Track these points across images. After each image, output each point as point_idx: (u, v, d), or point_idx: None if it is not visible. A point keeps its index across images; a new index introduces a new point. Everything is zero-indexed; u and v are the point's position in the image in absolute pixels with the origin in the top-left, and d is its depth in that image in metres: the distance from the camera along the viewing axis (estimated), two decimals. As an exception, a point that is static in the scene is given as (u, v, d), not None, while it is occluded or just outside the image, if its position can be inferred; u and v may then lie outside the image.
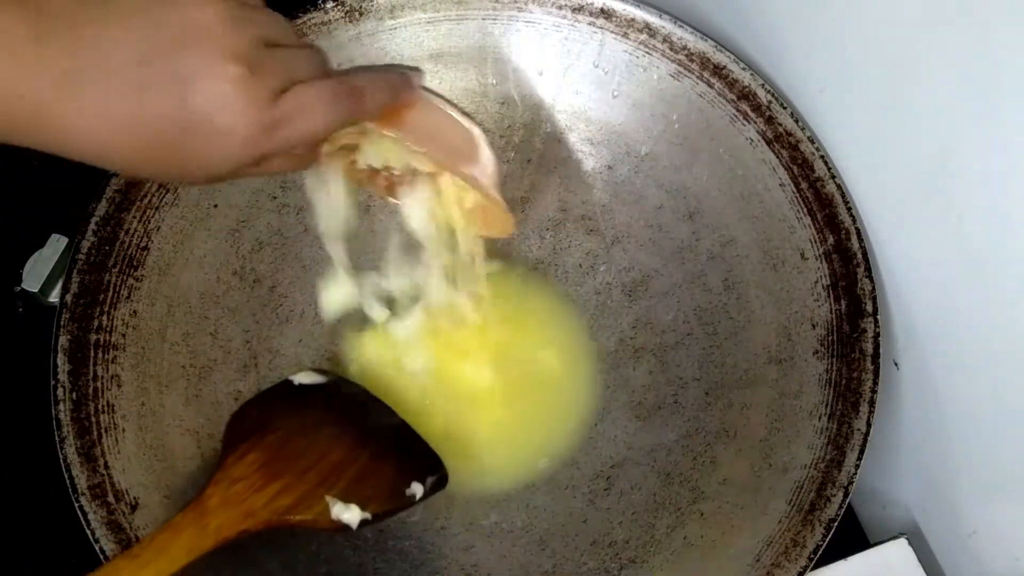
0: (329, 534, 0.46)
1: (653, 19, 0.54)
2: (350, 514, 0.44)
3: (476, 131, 0.45)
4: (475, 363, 0.55)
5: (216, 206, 0.53)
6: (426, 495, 0.47)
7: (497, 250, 0.59)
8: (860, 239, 0.48)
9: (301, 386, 0.50)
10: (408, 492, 0.46)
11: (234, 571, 0.45)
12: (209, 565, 0.44)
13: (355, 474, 0.46)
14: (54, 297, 0.58)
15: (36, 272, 0.57)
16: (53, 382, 0.45)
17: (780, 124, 0.52)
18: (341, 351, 0.55)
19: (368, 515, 0.44)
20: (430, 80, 0.57)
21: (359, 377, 0.55)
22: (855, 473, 0.44)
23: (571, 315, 0.57)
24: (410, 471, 0.47)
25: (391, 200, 0.48)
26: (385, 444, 0.48)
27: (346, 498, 0.44)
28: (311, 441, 0.46)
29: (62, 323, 0.46)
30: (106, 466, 0.44)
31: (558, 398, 0.55)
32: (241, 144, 0.33)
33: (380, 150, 0.45)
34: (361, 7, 0.55)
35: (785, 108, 0.52)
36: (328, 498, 0.44)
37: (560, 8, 0.55)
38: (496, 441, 0.53)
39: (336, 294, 0.55)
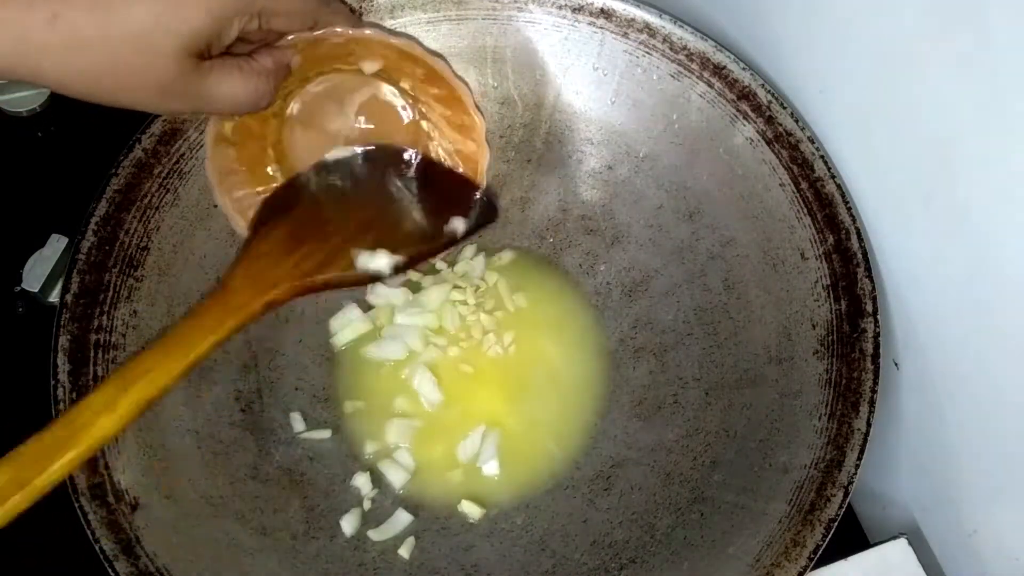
0: (363, 284, 0.44)
1: (653, 19, 0.54)
2: (378, 261, 0.42)
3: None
4: (481, 365, 0.55)
5: (216, 206, 0.53)
6: (472, 229, 0.45)
7: (497, 250, 0.59)
8: (860, 239, 0.48)
9: (335, 161, 0.48)
10: (448, 228, 0.44)
11: (234, 571, 0.46)
12: (208, 565, 0.45)
13: (383, 225, 0.44)
14: (54, 297, 0.58)
15: (36, 272, 0.57)
16: (53, 382, 0.45)
17: (780, 124, 0.52)
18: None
19: (400, 258, 0.42)
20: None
21: (360, 369, 0.55)
22: (855, 473, 0.44)
23: (575, 315, 0.57)
24: (447, 207, 0.45)
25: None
26: (418, 187, 0.46)
27: (374, 247, 0.42)
28: (337, 207, 0.45)
29: (62, 323, 0.46)
30: (106, 466, 0.44)
31: (564, 398, 0.55)
32: (156, 93, 0.36)
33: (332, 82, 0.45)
34: (361, 7, 0.55)
35: (785, 108, 0.52)
36: (353, 251, 0.42)
37: (560, 8, 0.55)
38: (504, 442, 0.53)
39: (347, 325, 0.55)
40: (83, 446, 0.35)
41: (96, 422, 0.36)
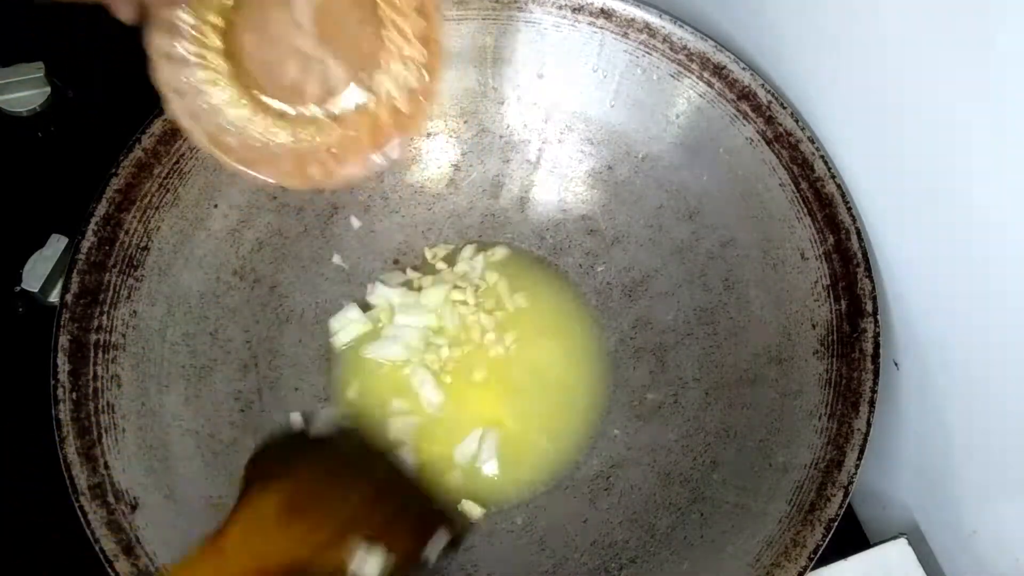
0: None
1: (653, 19, 0.54)
2: (371, 566, 0.41)
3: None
4: (482, 365, 0.55)
5: (216, 206, 0.53)
6: (439, 556, 0.45)
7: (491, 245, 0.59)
8: (860, 239, 0.48)
9: (316, 438, 0.48)
10: (423, 554, 0.44)
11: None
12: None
13: (378, 512, 0.44)
14: (54, 297, 0.58)
15: (36, 272, 0.57)
16: (53, 382, 0.45)
17: (780, 124, 0.52)
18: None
19: (390, 562, 0.42)
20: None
21: (361, 369, 0.55)
22: (855, 473, 0.44)
23: (575, 315, 0.57)
24: (427, 528, 0.45)
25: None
26: (399, 499, 0.46)
27: (371, 538, 0.42)
28: (330, 489, 0.44)
29: (62, 323, 0.46)
30: (106, 466, 0.44)
31: (564, 398, 0.55)
32: None
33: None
34: (361, 7, 0.55)
35: (785, 108, 0.52)
36: (351, 542, 0.41)
37: (560, 8, 0.55)
38: (504, 442, 0.53)
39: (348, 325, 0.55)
40: None
41: None
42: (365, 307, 0.56)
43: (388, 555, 0.41)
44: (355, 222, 0.58)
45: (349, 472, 0.45)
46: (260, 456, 0.45)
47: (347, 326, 0.55)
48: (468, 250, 0.58)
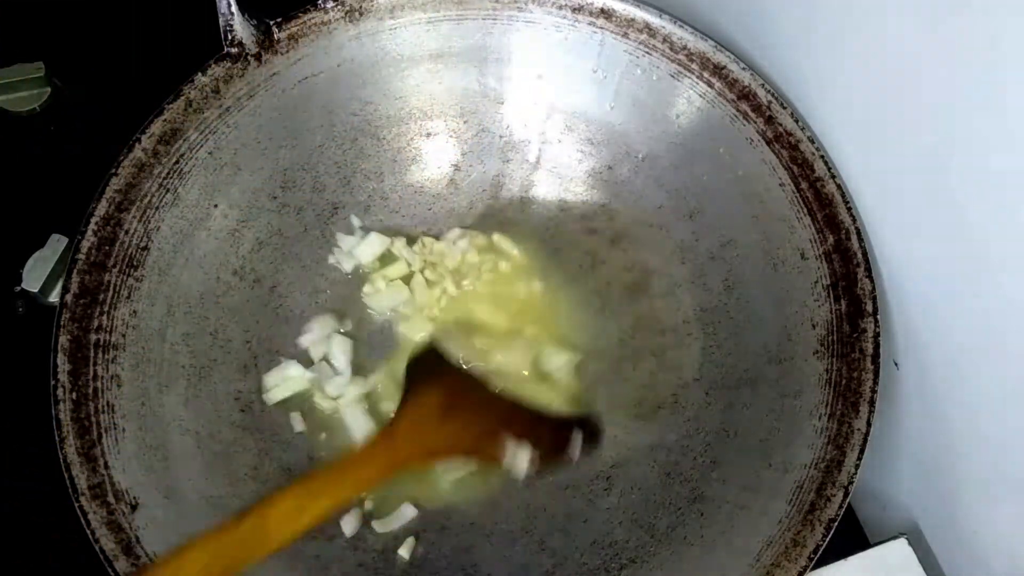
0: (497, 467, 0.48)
1: (653, 19, 0.54)
2: (522, 458, 0.47)
3: None
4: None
5: (216, 206, 0.53)
6: (580, 453, 0.49)
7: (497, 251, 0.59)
8: (860, 239, 0.48)
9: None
10: (566, 452, 0.49)
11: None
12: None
13: (525, 417, 0.49)
14: (54, 297, 0.58)
15: (36, 272, 0.57)
16: (53, 382, 0.45)
17: (780, 124, 0.52)
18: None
19: (536, 456, 0.47)
20: (430, 80, 0.58)
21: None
22: (855, 473, 0.44)
23: (573, 314, 0.57)
24: (563, 430, 0.50)
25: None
26: (535, 408, 0.51)
27: (519, 437, 0.47)
28: (478, 394, 0.50)
29: (62, 323, 0.46)
30: (106, 466, 0.44)
31: (564, 398, 0.55)
32: None
33: None
34: (361, 7, 0.55)
35: (785, 108, 0.52)
36: (505, 437, 0.47)
37: (560, 8, 0.55)
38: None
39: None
40: (270, 547, 0.40)
41: (284, 526, 0.40)
42: (307, 363, 0.54)
43: (534, 451, 0.47)
44: (355, 222, 0.58)
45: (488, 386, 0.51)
46: (417, 362, 0.50)
47: (283, 383, 0.53)
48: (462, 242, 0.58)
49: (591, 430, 0.51)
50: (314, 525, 0.41)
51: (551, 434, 0.49)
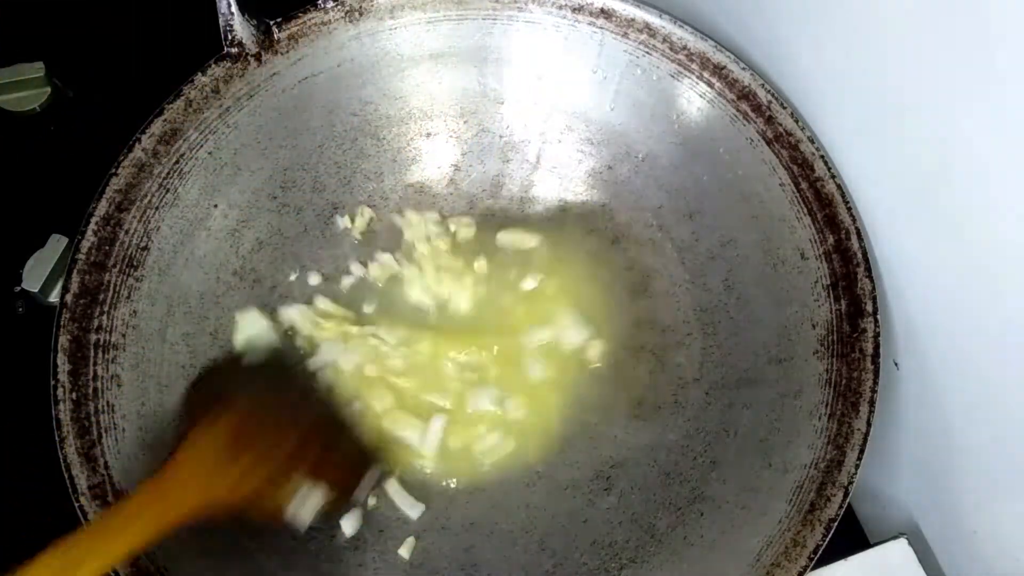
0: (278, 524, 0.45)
1: (653, 19, 0.54)
2: (309, 506, 0.43)
3: None
4: (484, 365, 0.55)
5: (216, 206, 0.53)
6: (369, 493, 0.47)
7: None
8: (860, 239, 0.48)
9: (249, 366, 0.50)
10: (356, 491, 0.47)
11: (234, 571, 0.45)
12: (209, 566, 0.44)
13: (315, 455, 0.45)
14: (54, 297, 0.58)
15: (36, 272, 0.57)
16: (53, 382, 0.45)
17: (780, 124, 0.52)
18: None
19: (328, 499, 0.44)
20: (430, 80, 0.58)
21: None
22: (855, 473, 0.44)
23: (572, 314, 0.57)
24: (360, 465, 0.47)
25: None
26: (333, 435, 0.48)
27: (312, 475, 0.44)
28: (269, 421, 0.45)
29: (62, 323, 0.46)
30: (106, 466, 0.44)
31: (563, 398, 0.55)
32: None
33: None
34: (361, 7, 0.55)
35: (785, 108, 0.52)
36: (293, 481, 0.43)
37: (560, 8, 0.55)
38: (498, 440, 0.53)
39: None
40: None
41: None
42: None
43: (327, 492, 0.44)
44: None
45: (285, 403, 0.47)
46: (200, 385, 0.47)
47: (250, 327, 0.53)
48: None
49: (386, 470, 0.49)
50: None
51: (347, 470, 0.46)
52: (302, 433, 0.46)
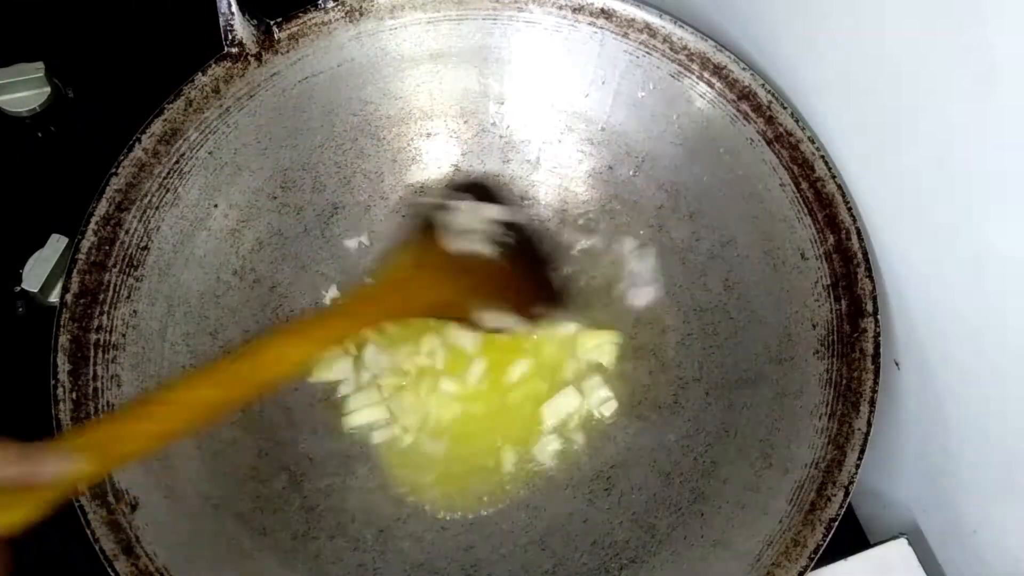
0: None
1: (653, 19, 0.54)
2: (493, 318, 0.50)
3: None
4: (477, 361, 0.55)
5: (216, 206, 0.53)
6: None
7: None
8: (860, 239, 0.48)
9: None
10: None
11: (234, 571, 0.45)
12: (208, 565, 0.44)
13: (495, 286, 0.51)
14: (54, 297, 0.58)
15: (36, 272, 0.57)
16: (53, 382, 0.45)
17: (780, 124, 0.52)
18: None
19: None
20: (430, 80, 0.58)
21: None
22: (855, 473, 0.44)
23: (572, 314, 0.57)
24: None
25: None
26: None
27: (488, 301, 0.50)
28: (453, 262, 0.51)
29: (62, 323, 0.46)
30: (106, 466, 0.44)
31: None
32: None
33: None
34: (361, 7, 0.55)
35: (785, 108, 0.52)
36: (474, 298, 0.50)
37: (560, 8, 0.55)
38: (499, 438, 0.53)
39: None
40: (253, 388, 0.43)
41: (267, 369, 0.42)
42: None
43: (506, 309, 0.50)
44: (355, 222, 0.58)
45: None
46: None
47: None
48: None
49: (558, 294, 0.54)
50: (291, 372, 0.43)
51: (523, 294, 0.52)
52: (481, 267, 0.51)
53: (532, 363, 0.55)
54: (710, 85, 0.54)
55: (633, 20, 0.55)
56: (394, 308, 0.49)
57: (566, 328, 0.56)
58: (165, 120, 0.51)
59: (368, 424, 0.53)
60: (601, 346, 0.55)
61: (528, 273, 0.54)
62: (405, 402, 0.54)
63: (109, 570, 0.42)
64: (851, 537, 0.54)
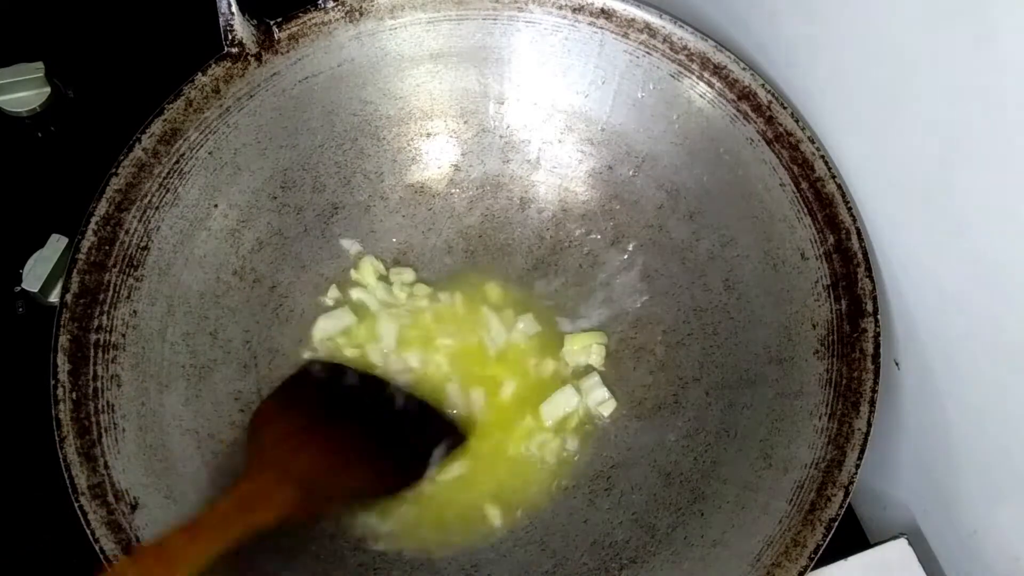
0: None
1: (653, 19, 0.54)
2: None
3: None
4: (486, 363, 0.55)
5: (216, 206, 0.53)
6: (441, 459, 0.51)
7: (497, 250, 0.59)
8: (860, 239, 0.48)
9: (316, 379, 0.52)
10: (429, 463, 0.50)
11: (234, 571, 0.45)
12: (208, 565, 0.44)
13: (370, 466, 0.49)
14: (54, 297, 0.58)
15: (36, 272, 0.57)
16: (53, 382, 0.45)
17: (780, 124, 0.52)
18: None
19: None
20: (430, 80, 0.58)
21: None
22: (855, 473, 0.44)
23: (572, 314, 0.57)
24: (424, 447, 0.51)
25: None
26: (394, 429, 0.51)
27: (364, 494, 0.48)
28: (328, 435, 0.49)
29: (62, 323, 0.46)
30: (106, 466, 0.44)
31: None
32: None
33: None
34: (361, 7, 0.55)
35: (785, 108, 0.52)
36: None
37: (560, 8, 0.55)
38: (498, 439, 0.53)
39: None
40: None
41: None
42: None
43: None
44: (355, 222, 0.58)
45: (339, 420, 0.50)
46: (260, 412, 0.50)
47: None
48: None
49: (452, 441, 0.52)
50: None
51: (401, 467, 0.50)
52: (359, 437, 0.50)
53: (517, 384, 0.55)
54: (710, 85, 0.54)
55: (633, 20, 0.55)
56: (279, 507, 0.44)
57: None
58: (165, 120, 0.51)
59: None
60: (588, 347, 0.55)
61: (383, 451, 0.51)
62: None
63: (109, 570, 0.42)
64: (851, 537, 0.54)
